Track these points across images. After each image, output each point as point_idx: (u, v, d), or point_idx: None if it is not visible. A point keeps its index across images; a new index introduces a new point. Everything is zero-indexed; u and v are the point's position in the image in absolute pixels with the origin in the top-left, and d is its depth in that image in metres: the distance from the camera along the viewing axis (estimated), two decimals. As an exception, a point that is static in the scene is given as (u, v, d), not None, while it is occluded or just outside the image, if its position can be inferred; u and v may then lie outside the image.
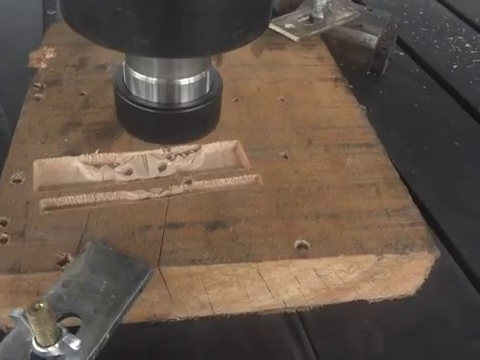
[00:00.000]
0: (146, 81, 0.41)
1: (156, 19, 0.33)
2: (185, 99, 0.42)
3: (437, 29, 0.85)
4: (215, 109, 0.45)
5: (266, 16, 0.39)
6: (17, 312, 0.29)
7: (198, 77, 0.42)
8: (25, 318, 0.29)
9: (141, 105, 0.42)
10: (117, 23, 0.33)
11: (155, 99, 0.42)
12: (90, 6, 0.34)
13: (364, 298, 0.43)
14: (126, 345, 0.38)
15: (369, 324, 0.42)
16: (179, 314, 0.40)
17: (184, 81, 0.41)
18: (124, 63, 0.42)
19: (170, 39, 0.34)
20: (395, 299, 0.44)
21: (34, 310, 0.28)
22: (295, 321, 0.42)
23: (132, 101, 0.42)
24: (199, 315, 0.41)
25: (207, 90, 0.43)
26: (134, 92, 0.42)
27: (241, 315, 0.42)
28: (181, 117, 0.43)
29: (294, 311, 0.42)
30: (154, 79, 0.41)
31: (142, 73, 0.41)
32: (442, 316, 0.43)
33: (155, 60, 0.40)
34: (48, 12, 0.81)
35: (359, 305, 0.43)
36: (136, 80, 0.41)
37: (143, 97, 0.42)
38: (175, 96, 0.42)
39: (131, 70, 0.41)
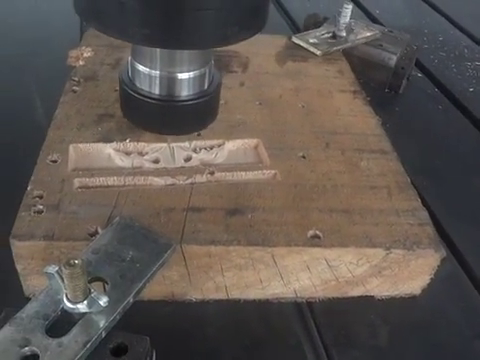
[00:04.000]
0: (149, 74, 0.45)
1: (158, 11, 0.37)
2: (184, 92, 0.46)
3: (456, 54, 0.88)
4: (212, 104, 0.49)
5: (261, 17, 0.42)
6: (52, 268, 0.32)
7: (197, 73, 0.46)
8: (59, 275, 0.32)
9: (143, 96, 0.46)
10: (122, 15, 0.37)
11: (157, 91, 0.46)
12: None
13: (372, 294, 0.45)
14: (144, 320, 0.41)
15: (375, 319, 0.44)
16: (195, 295, 0.43)
17: (184, 75, 0.45)
18: (130, 58, 0.46)
19: (169, 31, 0.38)
20: (401, 297, 0.46)
21: (69, 265, 0.31)
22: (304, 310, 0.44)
23: (136, 92, 0.46)
24: (214, 298, 0.43)
25: (205, 86, 0.47)
26: (137, 84, 0.46)
27: (253, 301, 0.44)
28: (179, 109, 0.47)
29: (304, 301, 0.45)
30: (157, 72, 0.45)
31: (146, 66, 0.45)
32: (446, 316, 0.45)
33: (158, 54, 0.44)
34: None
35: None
36: (140, 72, 0.45)
37: (146, 89, 0.46)
38: (175, 89, 0.46)
39: (136, 64, 0.45)
